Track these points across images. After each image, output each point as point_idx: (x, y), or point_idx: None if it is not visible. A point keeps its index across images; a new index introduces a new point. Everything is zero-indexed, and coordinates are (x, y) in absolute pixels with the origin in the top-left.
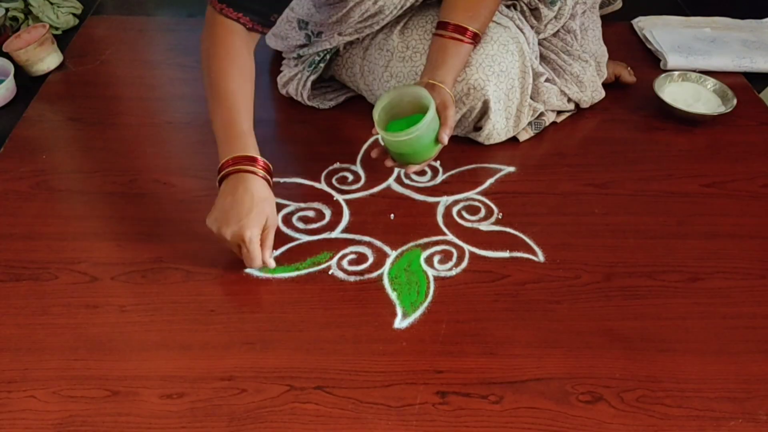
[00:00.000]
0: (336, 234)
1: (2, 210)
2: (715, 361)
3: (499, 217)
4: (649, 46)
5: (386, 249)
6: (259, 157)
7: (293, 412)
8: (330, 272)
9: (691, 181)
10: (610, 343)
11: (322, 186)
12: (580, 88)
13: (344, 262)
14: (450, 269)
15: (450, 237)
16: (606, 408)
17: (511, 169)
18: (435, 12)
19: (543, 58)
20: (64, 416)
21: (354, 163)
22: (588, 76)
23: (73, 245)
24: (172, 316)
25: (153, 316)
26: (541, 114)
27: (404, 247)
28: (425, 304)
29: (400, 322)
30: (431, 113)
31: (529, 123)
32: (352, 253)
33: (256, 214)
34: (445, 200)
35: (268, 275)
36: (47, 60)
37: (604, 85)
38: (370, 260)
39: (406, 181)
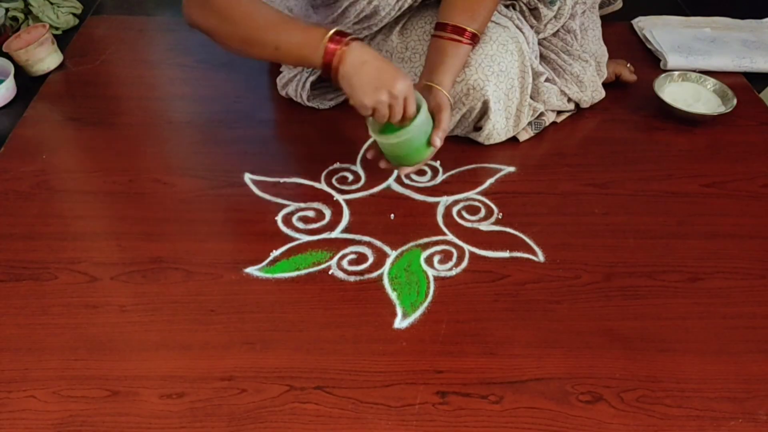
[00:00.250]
0: (336, 234)
1: (2, 210)
2: (715, 361)
3: (499, 217)
4: (649, 46)
5: (386, 249)
6: (343, 29)
7: (293, 412)
8: (330, 272)
9: (691, 181)
10: (610, 343)
11: (322, 186)
12: (580, 87)
13: (344, 262)
14: (450, 269)
15: (450, 237)
16: (606, 408)
17: (511, 169)
18: (434, 13)
19: (543, 58)
20: (64, 416)
21: (354, 163)
22: (588, 76)
23: (73, 245)
24: (172, 316)
25: (153, 316)
26: (541, 114)
27: (404, 247)
28: (425, 304)
29: (400, 322)
30: (421, 116)
31: (529, 123)
32: (352, 253)
33: (394, 66)
34: (445, 200)
35: (268, 275)
36: (47, 60)
37: (604, 84)
38: (370, 260)
39: (406, 181)
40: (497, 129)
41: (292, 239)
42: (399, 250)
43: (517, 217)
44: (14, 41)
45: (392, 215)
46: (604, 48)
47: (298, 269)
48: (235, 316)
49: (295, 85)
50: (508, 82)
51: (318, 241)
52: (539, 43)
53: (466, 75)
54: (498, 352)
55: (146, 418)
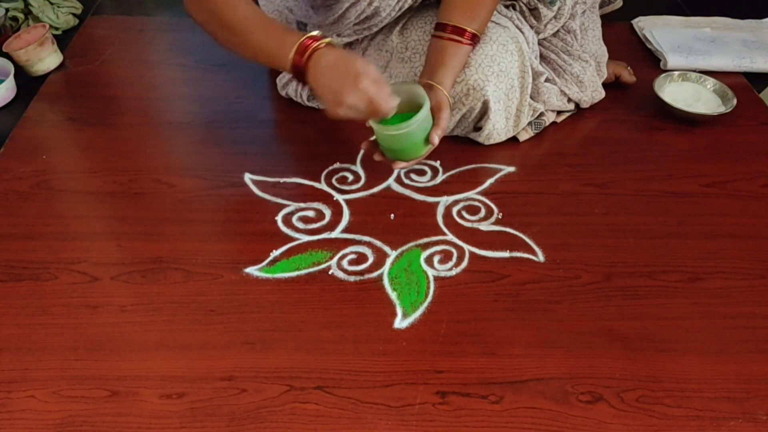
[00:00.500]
0: (336, 234)
1: (2, 210)
2: (715, 361)
3: (499, 217)
4: (649, 46)
5: (386, 249)
6: (315, 33)
7: (293, 412)
8: (330, 272)
9: (691, 181)
10: (610, 343)
11: (322, 186)
12: (580, 88)
13: (344, 262)
14: (450, 269)
15: (450, 237)
16: (606, 408)
17: (511, 169)
18: (434, 13)
19: (543, 58)
20: (64, 416)
21: (354, 163)
22: (588, 76)
23: (73, 245)
24: (172, 316)
25: (153, 316)
26: (541, 114)
27: (404, 247)
28: (425, 304)
29: (400, 322)
30: (424, 111)
31: (529, 123)
32: (352, 253)
33: (363, 64)
34: (445, 200)
35: (268, 275)
36: (47, 60)
37: (604, 85)
38: (370, 260)
39: (406, 181)
40: (497, 129)
41: (292, 239)
42: (399, 250)
43: (517, 217)
44: (14, 41)
45: (392, 215)
46: (604, 48)
47: (298, 269)
48: (235, 316)
49: (295, 84)
50: (508, 83)
51: (318, 241)
52: (539, 43)
53: (466, 75)
54: (498, 352)
55: (146, 418)
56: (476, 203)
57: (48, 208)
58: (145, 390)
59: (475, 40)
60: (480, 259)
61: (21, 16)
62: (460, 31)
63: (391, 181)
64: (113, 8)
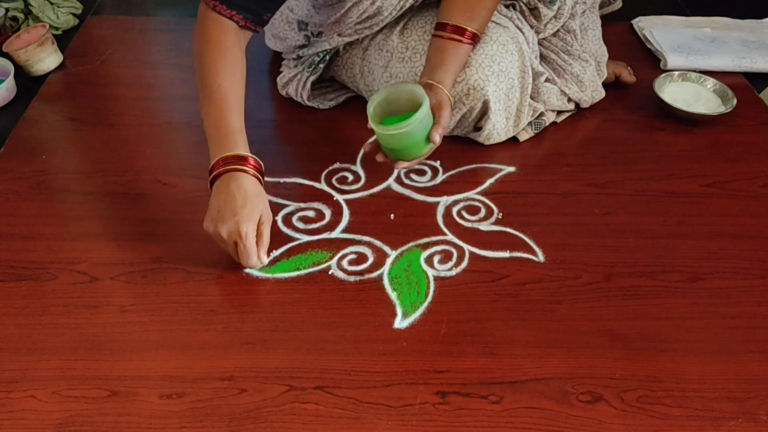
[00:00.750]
0: (336, 234)
1: (2, 210)
2: (715, 361)
3: (499, 217)
4: (649, 46)
5: (386, 249)
6: (249, 155)
7: (293, 412)
8: (330, 272)
9: (691, 181)
10: (610, 343)
11: (322, 186)
12: (580, 87)
13: (344, 262)
14: (450, 269)
15: (450, 237)
16: (606, 408)
17: (511, 169)
18: (435, 12)
19: (543, 58)
20: (64, 416)
21: (354, 163)
22: (588, 76)
23: (73, 245)
24: (172, 316)
25: (153, 316)
26: (541, 114)
27: (404, 247)
28: (425, 304)
29: (400, 322)
30: (423, 110)
31: (529, 123)
32: (352, 253)
33: (250, 209)
34: (445, 200)
35: (268, 275)
36: (47, 60)
37: (604, 85)
38: (370, 260)
39: (406, 181)
40: (497, 129)
41: (292, 239)
42: (399, 250)
43: (517, 217)
44: (14, 41)
45: (392, 215)
46: (604, 48)
47: (298, 269)
48: (235, 316)
49: (295, 84)
50: (508, 82)
51: (318, 241)
52: (539, 43)
53: (467, 75)
54: (498, 352)
55: (146, 418)
56: (476, 203)
57: (48, 208)
58: (145, 390)
59: (475, 39)
60: (480, 259)
61: (21, 16)
62: (461, 31)
63: (391, 181)
64: (113, 8)
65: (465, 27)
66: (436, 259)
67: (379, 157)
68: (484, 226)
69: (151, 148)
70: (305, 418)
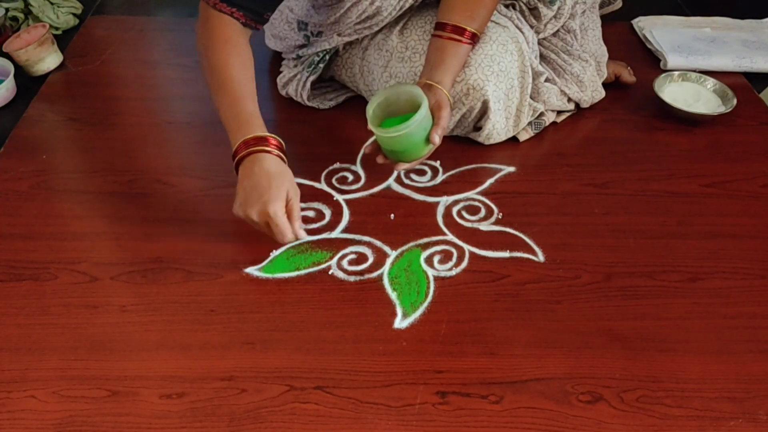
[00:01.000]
0: (336, 234)
1: (2, 210)
2: (715, 361)
3: (499, 217)
4: (649, 46)
5: (386, 249)
6: (269, 135)
7: (293, 412)
8: (330, 272)
9: (691, 181)
10: (610, 343)
11: (322, 186)
12: (580, 87)
13: (344, 262)
14: (450, 269)
15: (450, 237)
16: (606, 408)
17: (511, 169)
18: (434, 12)
19: (543, 58)
20: (64, 416)
21: (354, 163)
22: (588, 76)
23: (73, 245)
24: (172, 316)
25: (153, 316)
26: (541, 114)
27: (404, 247)
28: (425, 304)
29: (400, 322)
30: (422, 112)
31: (529, 123)
32: (352, 253)
33: (276, 188)
34: (445, 200)
35: (268, 275)
36: (47, 60)
37: (604, 85)
38: (370, 260)
39: (406, 181)
40: (497, 129)
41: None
42: (399, 250)
43: (517, 217)
44: (14, 41)
45: (392, 215)
46: (604, 48)
47: (298, 269)
48: (235, 316)
49: (295, 84)
50: (508, 82)
51: (318, 241)
52: (539, 43)
53: (466, 75)
54: (498, 352)
55: (146, 418)
56: (476, 203)
57: (48, 208)
58: (145, 390)
59: (474, 39)
60: (480, 259)
61: (21, 16)
62: (460, 31)
63: (391, 181)
64: (113, 8)
65: (464, 27)
66: (436, 259)
67: (380, 159)
68: (484, 226)
69: (151, 148)
70: (305, 418)
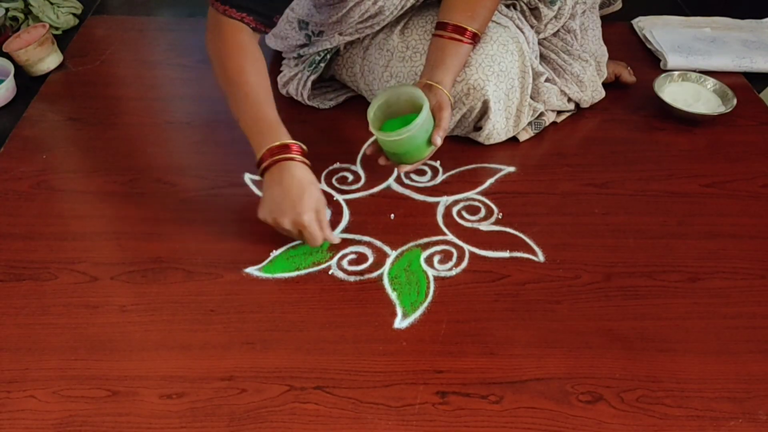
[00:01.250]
0: (336, 234)
1: (2, 210)
2: (715, 361)
3: (499, 217)
4: (649, 46)
5: (386, 249)
6: (293, 142)
7: (293, 412)
8: (330, 272)
9: (691, 181)
10: (610, 343)
11: (322, 186)
12: (580, 87)
13: (344, 262)
14: (450, 269)
15: (450, 237)
16: (606, 408)
17: (511, 169)
18: (435, 12)
19: (543, 58)
20: (64, 416)
21: (354, 163)
22: (588, 76)
23: (73, 245)
24: (172, 316)
25: (153, 316)
26: (541, 114)
27: (404, 247)
28: (425, 304)
29: (400, 322)
30: (423, 115)
31: (529, 123)
32: (352, 253)
33: (308, 197)
34: (445, 200)
35: (268, 275)
36: (47, 60)
37: (604, 84)
38: (370, 260)
39: (406, 181)
40: (497, 129)
41: (293, 239)
42: (399, 250)
43: (517, 217)
44: (14, 41)
45: (392, 215)
46: (604, 48)
47: (298, 269)
48: (235, 316)
49: (296, 83)
50: (509, 82)
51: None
52: (539, 43)
53: (467, 75)
54: (498, 352)
55: (146, 418)
56: (476, 203)
57: (48, 208)
58: (145, 390)
59: (475, 39)
60: (480, 259)
61: (21, 16)
62: (461, 30)
63: (391, 181)
64: (113, 8)
65: (465, 26)
66: (436, 259)
67: (382, 161)
68: (484, 226)
69: (151, 148)
70: (305, 418)
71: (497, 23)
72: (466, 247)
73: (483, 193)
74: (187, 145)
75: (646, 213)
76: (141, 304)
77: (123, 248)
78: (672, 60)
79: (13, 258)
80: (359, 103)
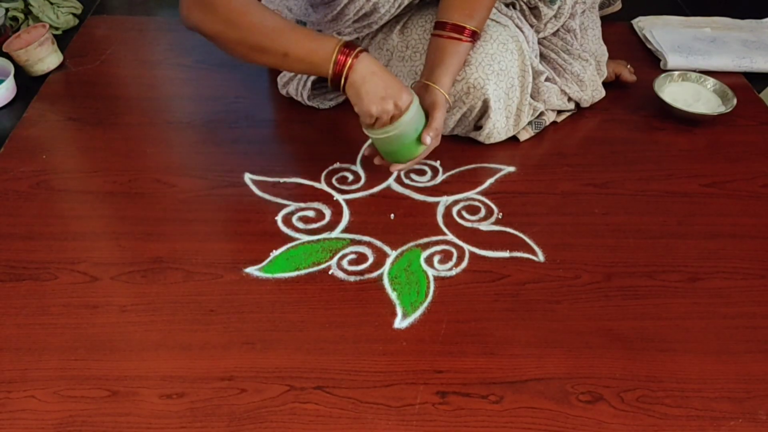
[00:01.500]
0: (336, 234)
1: (2, 210)
2: (715, 361)
3: (499, 217)
4: (649, 46)
5: (386, 249)
6: (350, 40)
7: (293, 412)
8: (330, 272)
9: (691, 181)
10: (610, 343)
11: (322, 186)
12: (580, 87)
13: (344, 262)
14: (450, 269)
15: (450, 237)
16: (606, 408)
17: (511, 168)
18: (435, 11)
19: (543, 57)
20: (64, 416)
21: (354, 163)
22: (588, 75)
23: (73, 245)
24: (172, 316)
25: (153, 316)
26: (542, 113)
27: (404, 247)
28: (425, 304)
29: (400, 322)
30: (410, 113)
31: (530, 122)
32: (352, 253)
33: (401, 81)
34: (445, 200)
35: (268, 275)
36: (47, 60)
37: (604, 84)
38: (370, 260)
39: (406, 181)
40: (497, 128)
41: (292, 239)
42: (399, 250)
43: (517, 217)
44: (14, 41)
45: (392, 215)
46: (604, 47)
47: (298, 269)
48: (235, 316)
49: (296, 84)
50: (509, 81)
51: (318, 241)
52: (539, 43)
53: (467, 74)
54: (498, 352)
55: (146, 418)
56: (476, 203)
57: (48, 208)
58: (145, 390)
59: (474, 37)
60: (480, 259)
61: (21, 16)
62: (460, 29)
63: (391, 181)
64: (113, 8)
65: (464, 25)
66: (436, 259)
67: (377, 160)
68: (484, 226)
69: (151, 148)
70: (305, 418)
71: (497, 22)
72: (466, 247)
73: (483, 192)
74: (186, 145)
75: (646, 213)
76: (141, 304)
77: (123, 248)
78: (672, 60)
79: (13, 258)
80: None
